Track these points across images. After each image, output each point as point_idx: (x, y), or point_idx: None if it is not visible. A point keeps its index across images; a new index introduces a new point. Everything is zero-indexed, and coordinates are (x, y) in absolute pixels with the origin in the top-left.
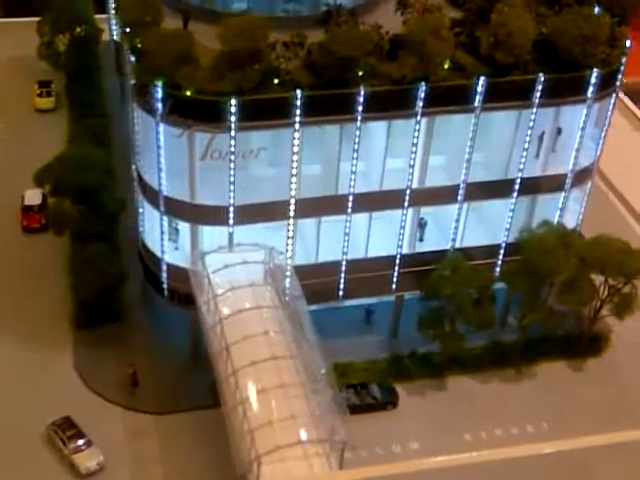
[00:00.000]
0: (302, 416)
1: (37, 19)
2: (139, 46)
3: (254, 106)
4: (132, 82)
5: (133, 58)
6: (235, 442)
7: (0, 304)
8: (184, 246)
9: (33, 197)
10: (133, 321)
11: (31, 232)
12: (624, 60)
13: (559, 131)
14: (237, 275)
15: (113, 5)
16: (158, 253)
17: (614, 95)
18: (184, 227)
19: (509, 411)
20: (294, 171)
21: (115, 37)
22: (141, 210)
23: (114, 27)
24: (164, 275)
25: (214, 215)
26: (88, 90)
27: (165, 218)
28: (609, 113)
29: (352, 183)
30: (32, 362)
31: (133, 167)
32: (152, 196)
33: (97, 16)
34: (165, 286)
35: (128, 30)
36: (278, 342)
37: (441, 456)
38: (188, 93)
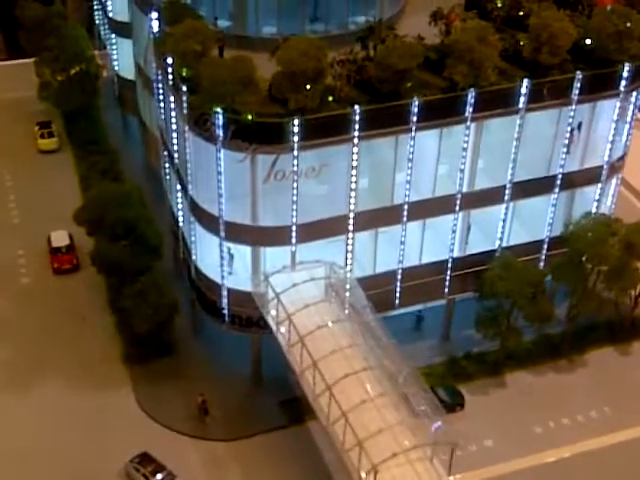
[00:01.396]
0: (401, 423)
1: (32, 60)
2: (187, 75)
3: (314, 124)
4: (186, 111)
5: (185, 88)
6: (342, 455)
7: (48, 350)
8: (239, 270)
9: (60, 238)
10: (187, 350)
11: (62, 273)
12: None
13: (579, 126)
14: (305, 293)
15: (114, 41)
16: (217, 279)
17: None
18: (243, 250)
19: (569, 400)
20: (353, 185)
21: (118, 72)
22: (193, 238)
23: (115, 63)
24: (224, 301)
25: (277, 236)
26: (90, 128)
27: (225, 244)
28: (637, 104)
29: (407, 192)
30: (95, 404)
31: (170, 197)
32: (210, 222)
33: (97, 52)
34: (226, 312)
35: (171, 61)
36: (360, 354)
37: (530, 452)
38: (250, 117)
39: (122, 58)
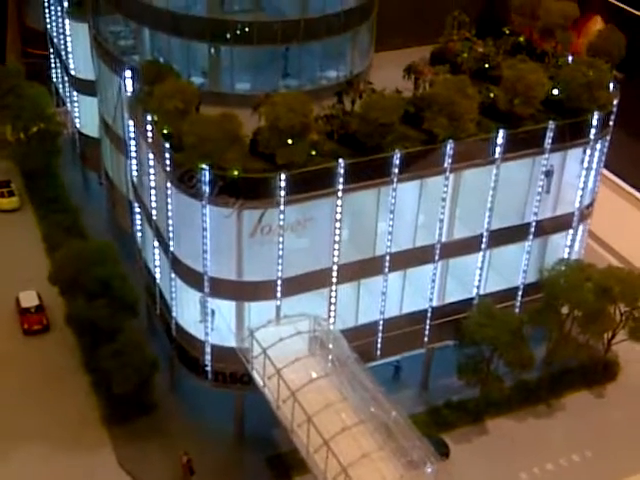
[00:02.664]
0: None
1: None
2: (169, 133)
3: (300, 179)
4: (169, 169)
5: (168, 145)
6: None
7: (23, 414)
8: (220, 325)
9: (29, 298)
10: (167, 408)
11: (33, 334)
12: (616, 102)
13: (548, 173)
14: (290, 347)
15: (75, 98)
16: (199, 335)
17: (609, 135)
18: (226, 305)
19: (551, 445)
20: (337, 238)
21: (80, 129)
22: (174, 294)
23: (76, 120)
24: (207, 357)
25: (262, 290)
26: (50, 186)
27: (208, 299)
28: (604, 152)
29: (389, 243)
30: (76, 467)
31: (145, 254)
32: (193, 278)
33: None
34: (209, 368)
35: (152, 119)
36: (351, 407)
37: None
38: (236, 173)
39: (84, 115)
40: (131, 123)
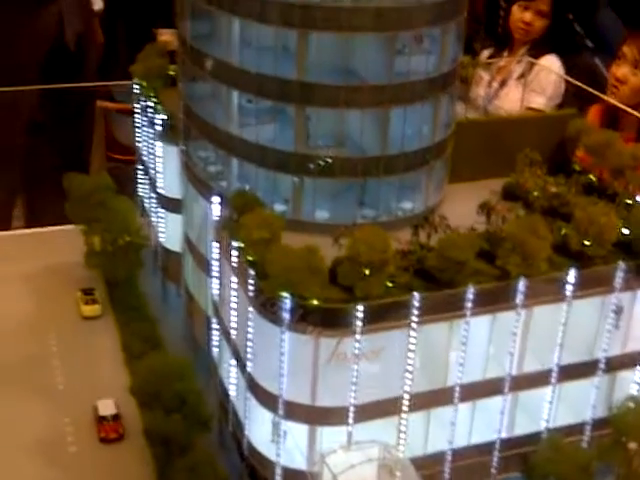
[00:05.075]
0: None
1: (65, 227)
2: (255, 260)
3: (376, 310)
4: (252, 294)
5: (252, 272)
6: None
7: None
8: (291, 447)
9: (107, 407)
10: None
11: (109, 442)
12: None
13: (618, 311)
14: (360, 473)
15: (161, 215)
16: (270, 456)
17: None
18: (298, 428)
19: None
20: (409, 367)
21: (163, 244)
22: (247, 413)
23: (160, 234)
24: (278, 478)
25: (334, 415)
26: (131, 295)
27: (282, 421)
28: None
29: (460, 375)
30: None
31: (221, 370)
32: (267, 400)
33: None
34: None
35: (239, 246)
36: None
37: None
38: (316, 302)
39: (168, 231)
40: (216, 245)
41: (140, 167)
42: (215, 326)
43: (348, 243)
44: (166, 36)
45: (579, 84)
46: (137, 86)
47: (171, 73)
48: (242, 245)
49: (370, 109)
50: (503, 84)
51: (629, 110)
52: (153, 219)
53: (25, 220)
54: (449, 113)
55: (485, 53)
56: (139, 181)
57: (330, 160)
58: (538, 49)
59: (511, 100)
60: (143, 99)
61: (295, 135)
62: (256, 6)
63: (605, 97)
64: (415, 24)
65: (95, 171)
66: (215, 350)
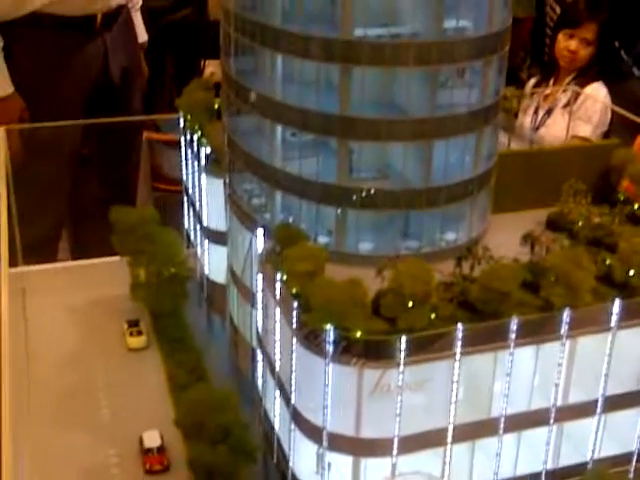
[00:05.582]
0: None
1: (111, 259)
2: (298, 292)
3: (420, 341)
4: (295, 326)
5: (296, 304)
6: None
7: None
8: (336, 478)
9: (152, 439)
10: None
11: (154, 474)
12: None
13: None
14: None
15: (206, 247)
16: None
17: None
18: (343, 460)
19: None
20: (453, 398)
21: (208, 275)
22: (292, 445)
23: (205, 265)
24: None
25: (378, 447)
26: (176, 326)
27: (327, 453)
28: None
29: (504, 405)
30: None
31: (265, 402)
32: (312, 431)
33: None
34: None
35: (282, 278)
36: None
37: None
38: (359, 334)
39: (213, 262)
40: (260, 277)
41: (185, 199)
42: (259, 358)
43: (391, 275)
44: (213, 67)
45: (625, 113)
46: (182, 119)
47: (216, 107)
48: (286, 277)
49: (412, 142)
50: (549, 113)
51: None
52: (198, 251)
53: (71, 252)
54: (492, 144)
55: (531, 82)
56: (185, 213)
57: (373, 192)
58: (584, 77)
59: (557, 129)
60: (188, 132)
61: (338, 168)
62: (299, 42)
63: None
64: (457, 58)
65: (142, 203)
66: (260, 382)
